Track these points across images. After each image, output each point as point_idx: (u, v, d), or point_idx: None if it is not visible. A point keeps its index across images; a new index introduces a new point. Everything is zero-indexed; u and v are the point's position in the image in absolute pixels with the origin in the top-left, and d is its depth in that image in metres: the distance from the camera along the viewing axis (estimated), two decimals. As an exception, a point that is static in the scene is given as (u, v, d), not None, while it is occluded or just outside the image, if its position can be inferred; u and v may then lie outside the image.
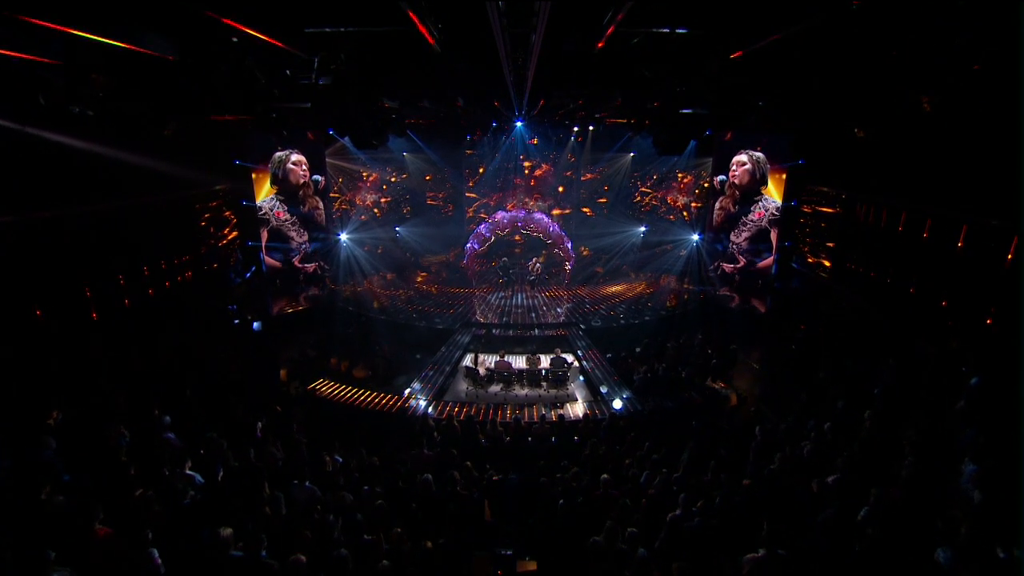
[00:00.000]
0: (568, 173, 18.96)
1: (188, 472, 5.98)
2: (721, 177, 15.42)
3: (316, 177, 15.95)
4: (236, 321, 13.16)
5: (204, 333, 11.66)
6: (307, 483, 6.17)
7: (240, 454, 7.01)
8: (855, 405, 8.18)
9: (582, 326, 13.46)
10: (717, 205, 15.94)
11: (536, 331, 13.27)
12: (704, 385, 10.48)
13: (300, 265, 16.63)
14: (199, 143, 13.83)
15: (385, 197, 19.50)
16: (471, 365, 11.08)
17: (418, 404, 9.92)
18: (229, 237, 16.24)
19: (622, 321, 13.81)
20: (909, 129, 10.68)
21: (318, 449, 7.76)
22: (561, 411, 9.89)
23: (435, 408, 10.01)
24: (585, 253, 19.19)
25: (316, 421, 8.83)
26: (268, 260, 16.30)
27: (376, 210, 19.42)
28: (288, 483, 6.24)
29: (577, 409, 10.01)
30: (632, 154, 18.37)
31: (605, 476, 6.10)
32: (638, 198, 19.35)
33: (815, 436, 6.87)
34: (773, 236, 15.51)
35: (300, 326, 13.46)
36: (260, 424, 7.74)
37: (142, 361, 9.49)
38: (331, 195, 17.50)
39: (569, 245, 16.87)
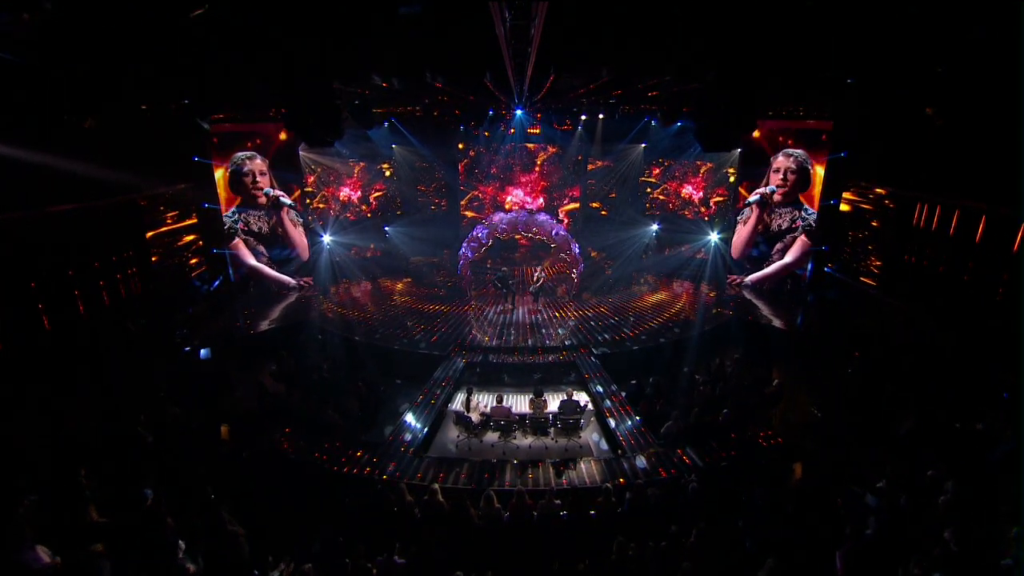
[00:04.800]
0: (579, 157, 17.14)
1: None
2: (771, 187, 13.98)
3: (269, 190, 14.59)
4: (187, 348, 11.12)
5: (137, 370, 9.61)
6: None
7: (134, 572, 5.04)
8: (963, 481, 6.23)
9: (595, 350, 11.42)
10: (754, 217, 14.48)
11: (539, 359, 11.25)
12: (753, 442, 8.41)
13: (276, 274, 14.96)
14: (146, 139, 11.77)
15: (374, 193, 17.45)
16: (462, 410, 9.03)
17: (394, 467, 7.91)
18: (184, 241, 14.17)
19: (635, 348, 11.72)
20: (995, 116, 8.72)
21: (253, 552, 5.86)
22: (573, 471, 7.91)
23: (419, 458, 8.06)
24: (594, 255, 17.19)
25: (259, 503, 6.81)
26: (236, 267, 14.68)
27: (364, 206, 17.36)
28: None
29: (593, 469, 8.01)
30: (644, 144, 16.38)
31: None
32: (647, 189, 17.37)
33: (940, 553, 4.87)
34: (800, 242, 14.31)
35: (260, 355, 11.38)
36: (169, 521, 5.71)
37: (41, 418, 7.47)
38: (306, 189, 15.45)
39: (576, 249, 14.76)
